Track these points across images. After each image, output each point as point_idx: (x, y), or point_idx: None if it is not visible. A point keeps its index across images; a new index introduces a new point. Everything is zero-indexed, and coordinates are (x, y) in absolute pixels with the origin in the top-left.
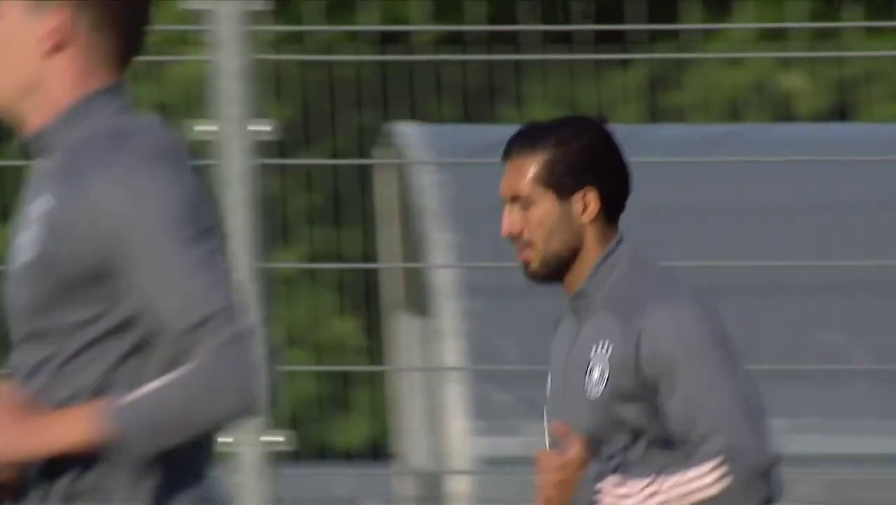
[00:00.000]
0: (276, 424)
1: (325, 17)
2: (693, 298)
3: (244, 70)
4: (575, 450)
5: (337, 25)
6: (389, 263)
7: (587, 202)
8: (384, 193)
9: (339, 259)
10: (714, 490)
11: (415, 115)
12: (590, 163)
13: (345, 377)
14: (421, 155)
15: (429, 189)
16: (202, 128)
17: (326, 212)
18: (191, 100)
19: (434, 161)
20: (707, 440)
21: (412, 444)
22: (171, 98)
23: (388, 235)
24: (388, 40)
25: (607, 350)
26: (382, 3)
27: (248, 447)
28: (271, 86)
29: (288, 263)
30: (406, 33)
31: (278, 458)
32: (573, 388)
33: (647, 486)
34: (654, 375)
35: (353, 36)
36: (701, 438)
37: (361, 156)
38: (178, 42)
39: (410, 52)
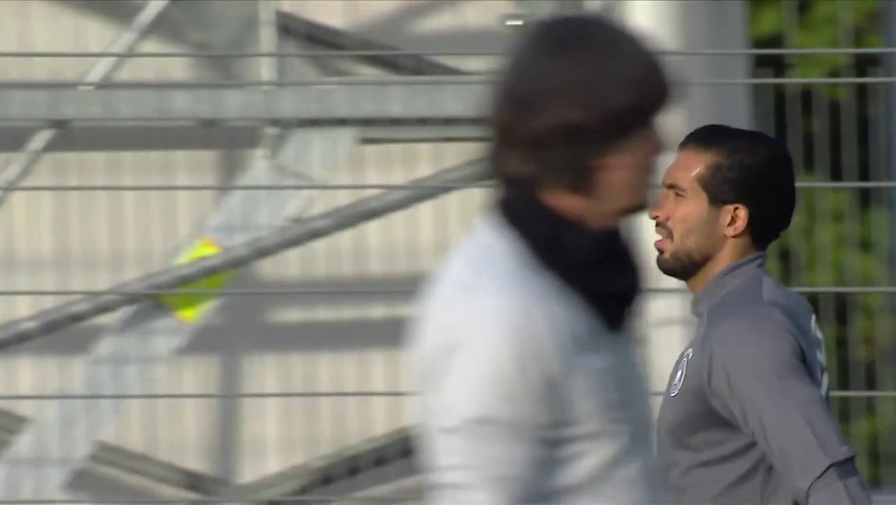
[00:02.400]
0: None
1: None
2: (773, 320)
3: None
4: None
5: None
6: None
7: (736, 217)
8: None
9: None
10: None
11: None
12: (752, 182)
13: None
14: None
15: None
16: None
17: None
18: None
19: None
20: (787, 473)
21: None
22: None
23: None
24: None
25: (691, 355)
26: None
27: None
28: None
29: None
30: None
31: None
32: (670, 382)
33: None
34: (721, 394)
35: None
36: (781, 469)
37: None
38: None
39: None
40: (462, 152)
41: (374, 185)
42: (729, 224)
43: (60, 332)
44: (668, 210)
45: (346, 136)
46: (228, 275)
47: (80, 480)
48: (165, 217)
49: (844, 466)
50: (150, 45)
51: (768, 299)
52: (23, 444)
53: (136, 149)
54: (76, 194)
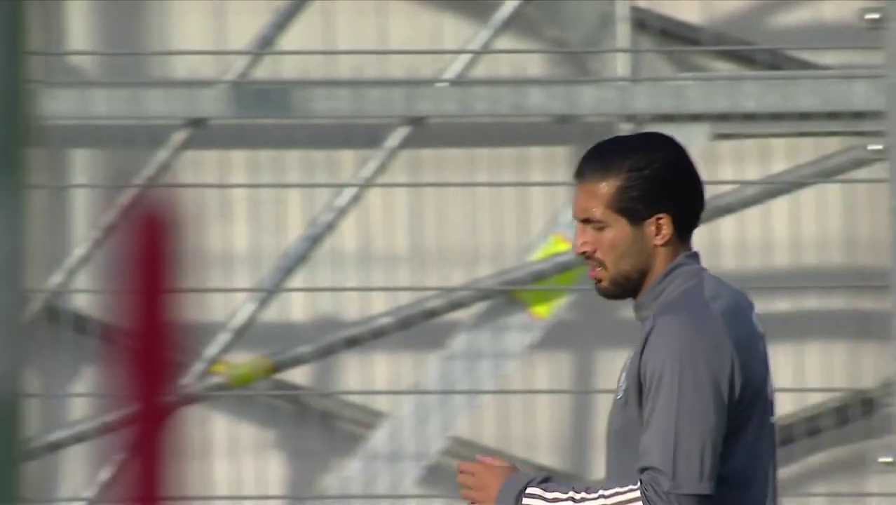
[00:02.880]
0: None
1: None
2: (705, 318)
3: None
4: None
5: None
6: None
7: (660, 226)
8: None
9: None
10: None
11: None
12: (662, 189)
13: None
14: None
15: None
16: None
17: None
18: None
19: None
20: (641, 460)
21: None
22: None
23: None
24: None
25: (632, 356)
26: None
27: None
28: None
29: None
30: None
31: None
32: (617, 386)
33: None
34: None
35: None
36: (639, 456)
37: None
38: None
39: None
40: (817, 148)
41: (727, 181)
42: (656, 234)
43: (415, 327)
44: (593, 243)
45: (700, 131)
46: (581, 271)
47: (434, 474)
48: (519, 213)
49: (686, 500)
50: (505, 42)
51: (710, 296)
52: (378, 439)
53: (491, 145)
54: (431, 191)
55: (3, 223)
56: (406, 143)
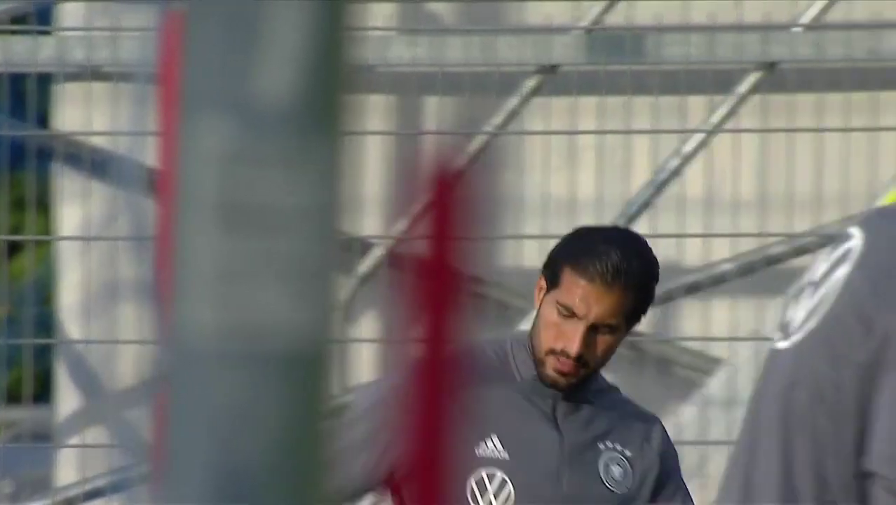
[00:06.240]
0: None
1: None
2: None
3: None
4: None
5: None
6: None
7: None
8: None
9: None
10: None
11: None
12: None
13: None
14: None
15: None
16: None
17: None
18: None
19: None
20: None
21: None
22: None
23: None
24: None
25: (630, 453)
26: None
27: None
28: None
29: None
30: None
31: None
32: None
33: None
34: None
35: None
36: None
37: None
38: None
39: None
40: None
41: None
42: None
43: (757, 274)
44: (592, 346)
45: None
46: None
47: None
48: (868, 159)
49: None
50: None
51: None
52: (715, 385)
53: (843, 90)
54: (780, 136)
55: (318, 173)
56: (757, 89)
